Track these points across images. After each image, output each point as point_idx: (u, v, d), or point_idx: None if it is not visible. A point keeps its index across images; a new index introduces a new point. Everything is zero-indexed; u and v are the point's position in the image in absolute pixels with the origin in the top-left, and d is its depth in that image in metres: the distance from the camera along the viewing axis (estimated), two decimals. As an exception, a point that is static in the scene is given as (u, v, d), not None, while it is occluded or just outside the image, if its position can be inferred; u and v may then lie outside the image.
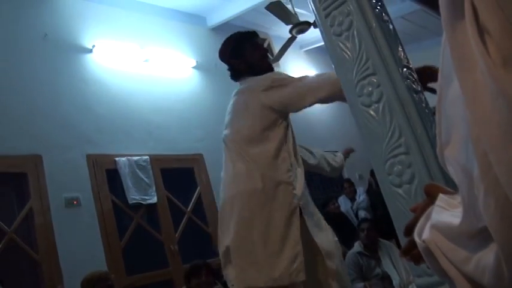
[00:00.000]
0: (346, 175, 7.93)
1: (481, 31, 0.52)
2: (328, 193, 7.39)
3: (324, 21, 2.05)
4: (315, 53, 8.88)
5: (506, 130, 0.49)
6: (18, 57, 4.97)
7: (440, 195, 0.80)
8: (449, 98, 0.61)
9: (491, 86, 0.50)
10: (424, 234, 0.80)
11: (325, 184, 7.84)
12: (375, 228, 4.96)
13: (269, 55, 3.22)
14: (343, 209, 6.88)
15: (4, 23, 4.98)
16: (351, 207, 7.01)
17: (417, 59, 2.27)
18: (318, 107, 8.25)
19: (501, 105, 0.49)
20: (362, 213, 6.85)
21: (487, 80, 0.51)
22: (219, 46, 7.46)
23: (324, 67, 8.83)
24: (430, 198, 0.96)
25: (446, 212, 0.75)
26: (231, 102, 2.97)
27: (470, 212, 0.60)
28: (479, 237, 0.59)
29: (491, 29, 0.51)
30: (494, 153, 0.51)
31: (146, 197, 5.25)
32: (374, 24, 1.91)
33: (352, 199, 7.13)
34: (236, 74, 3.02)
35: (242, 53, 2.91)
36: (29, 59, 5.05)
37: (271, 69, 2.95)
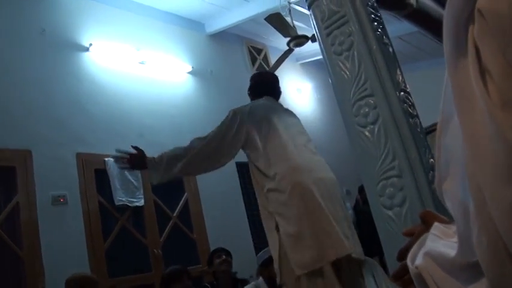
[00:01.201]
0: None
1: (482, 72, 0.53)
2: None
3: (325, 39, 2.07)
4: (310, 67, 8.93)
5: (501, 170, 0.50)
6: (14, 51, 4.96)
7: (436, 224, 0.82)
8: (449, 134, 0.62)
9: (490, 126, 0.51)
10: (417, 260, 0.81)
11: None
12: None
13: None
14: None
15: (1, 17, 4.97)
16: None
17: (411, 80, 2.30)
18: (307, 119, 8.28)
19: (497, 145, 0.50)
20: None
21: (485, 119, 0.52)
22: (215, 53, 7.52)
23: (319, 81, 8.88)
24: (425, 225, 0.98)
25: (441, 241, 0.77)
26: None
27: (465, 245, 0.61)
28: (472, 270, 0.61)
29: (492, 71, 0.52)
30: (489, 191, 0.52)
31: (133, 200, 5.23)
32: (374, 47, 1.94)
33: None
34: None
35: None
36: (25, 54, 5.03)
37: None
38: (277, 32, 6.25)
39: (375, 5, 2.13)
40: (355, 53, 1.94)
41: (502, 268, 0.54)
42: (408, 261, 0.83)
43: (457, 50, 0.57)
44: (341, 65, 1.98)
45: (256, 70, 7.84)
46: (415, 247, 0.85)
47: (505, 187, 0.50)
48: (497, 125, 0.50)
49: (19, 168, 4.53)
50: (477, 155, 0.54)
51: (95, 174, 5.10)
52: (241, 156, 6.76)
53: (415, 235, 0.92)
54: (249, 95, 3.40)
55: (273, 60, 7.66)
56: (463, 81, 0.56)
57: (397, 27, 6.34)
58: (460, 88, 0.57)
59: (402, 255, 0.94)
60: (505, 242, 0.52)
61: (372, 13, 2.05)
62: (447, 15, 0.58)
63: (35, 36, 5.17)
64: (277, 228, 2.48)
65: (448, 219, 0.89)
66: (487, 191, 0.52)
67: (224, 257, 4.56)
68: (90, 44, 5.59)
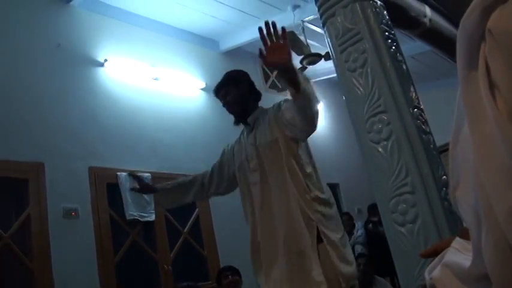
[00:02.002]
0: (345, 208, 7.92)
1: (491, 86, 0.57)
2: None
3: (339, 56, 2.09)
4: (323, 85, 8.94)
5: (506, 175, 0.53)
6: (30, 65, 5.02)
7: (457, 238, 0.83)
8: (460, 144, 0.65)
9: (498, 137, 0.55)
10: (434, 272, 0.83)
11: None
12: (370, 264, 4.93)
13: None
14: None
15: (18, 30, 5.05)
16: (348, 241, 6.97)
17: (424, 99, 2.30)
18: (319, 138, 8.29)
19: (505, 153, 0.53)
20: (359, 248, 6.81)
21: (494, 130, 0.55)
22: (229, 69, 7.55)
23: (331, 99, 8.89)
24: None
25: (460, 255, 0.78)
26: None
27: (478, 253, 0.63)
28: (486, 280, 0.62)
29: (500, 85, 0.55)
30: (495, 197, 0.55)
31: (144, 214, 5.24)
32: (388, 64, 1.95)
33: (350, 233, 7.10)
34: None
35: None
36: (40, 68, 5.09)
37: (239, 119, 3.07)
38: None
39: (389, 23, 2.15)
40: (369, 70, 1.95)
41: (507, 269, 0.56)
42: (426, 273, 0.85)
43: (469, 67, 0.61)
44: (355, 81, 1.99)
45: (270, 88, 7.88)
46: (436, 260, 0.87)
47: (510, 191, 0.52)
48: (504, 135, 0.54)
49: (31, 180, 4.57)
50: (486, 164, 0.57)
51: (107, 188, 5.12)
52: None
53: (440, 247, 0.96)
54: (249, 94, 2.95)
55: (285, 78, 7.68)
56: (473, 95, 0.60)
57: (410, 46, 6.37)
58: (471, 101, 0.61)
59: (425, 255, 0.99)
60: (510, 244, 0.54)
61: (386, 31, 2.06)
62: (460, 35, 0.63)
63: (50, 50, 5.24)
64: (319, 237, 2.34)
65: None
66: (493, 195, 0.55)
67: (231, 277, 4.52)
68: (105, 60, 5.66)
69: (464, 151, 0.63)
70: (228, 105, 2.93)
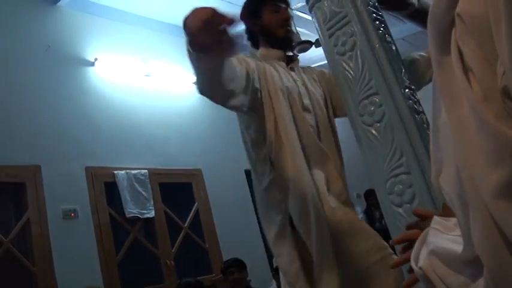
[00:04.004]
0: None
1: (465, 69, 0.58)
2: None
3: (328, 40, 2.08)
4: (315, 72, 8.94)
5: (488, 155, 0.55)
6: (20, 67, 5.00)
7: (435, 218, 0.83)
8: (441, 130, 0.66)
9: (475, 118, 0.56)
10: (420, 260, 0.83)
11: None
12: None
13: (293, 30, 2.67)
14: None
15: (6, 33, 5.02)
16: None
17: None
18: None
19: (483, 133, 0.55)
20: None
21: (471, 112, 0.57)
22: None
23: (324, 86, 8.89)
24: (424, 220, 1.00)
25: (444, 235, 0.78)
26: None
27: (466, 237, 0.63)
28: (476, 264, 0.62)
29: (474, 68, 0.57)
30: (479, 177, 0.56)
31: (144, 211, 5.24)
32: (377, 45, 1.93)
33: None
34: (252, 39, 2.50)
35: (259, 13, 2.39)
36: (31, 70, 5.07)
37: (288, 43, 2.49)
38: (280, 39, 6.26)
39: (376, 4, 2.13)
40: (358, 53, 1.94)
41: (496, 249, 0.56)
42: (412, 261, 0.85)
43: (441, 52, 0.62)
44: (344, 65, 1.98)
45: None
46: (417, 244, 0.87)
47: (493, 170, 0.54)
48: (481, 116, 0.55)
49: (29, 184, 4.56)
50: (466, 145, 0.58)
51: (105, 187, 5.12)
52: (248, 164, 6.75)
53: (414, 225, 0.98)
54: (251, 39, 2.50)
55: (277, 67, 7.67)
56: (448, 80, 0.61)
57: (400, 28, 6.33)
58: (446, 86, 0.62)
59: (409, 227, 1.05)
60: (497, 223, 0.54)
61: (374, 12, 2.05)
62: (430, 22, 0.65)
63: (40, 52, 5.22)
64: None
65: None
66: (477, 176, 0.56)
67: (236, 274, 4.49)
68: (96, 59, 5.64)
69: (445, 137, 0.64)
70: (287, 20, 2.44)
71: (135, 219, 5.19)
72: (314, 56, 7.83)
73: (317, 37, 6.53)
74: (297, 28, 6.41)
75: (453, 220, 0.78)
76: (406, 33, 6.93)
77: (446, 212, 0.87)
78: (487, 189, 0.54)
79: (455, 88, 0.59)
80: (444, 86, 0.62)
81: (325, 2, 2.09)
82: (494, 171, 0.53)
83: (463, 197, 0.60)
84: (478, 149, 0.56)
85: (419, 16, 4.49)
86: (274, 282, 4.50)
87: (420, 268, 0.81)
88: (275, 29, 2.40)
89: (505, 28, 0.51)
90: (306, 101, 2.26)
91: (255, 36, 2.47)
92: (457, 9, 0.59)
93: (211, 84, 1.92)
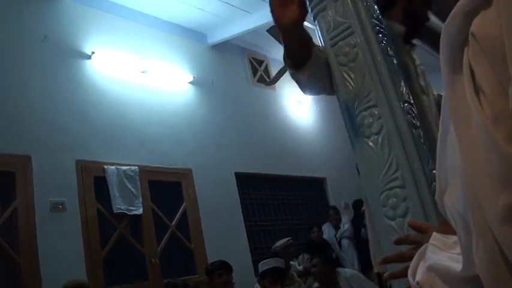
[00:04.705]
0: (332, 202, 7.96)
1: (476, 90, 0.58)
2: (313, 219, 7.39)
3: (330, 50, 2.08)
4: (311, 79, 8.95)
5: (495, 178, 0.54)
6: (16, 56, 4.97)
7: (435, 234, 0.83)
8: (448, 147, 0.66)
9: (484, 139, 0.55)
10: (417, 274, 0.83)
11: (310, 210, 7.85)
12: (327, 262, 4.66)
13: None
14: (326, 236, 6.88)
15: (4, 22, 4.99)
16: (335, 235, 7.01)
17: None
18: (307, 131, 8.27)
19: (491, 155, 0.54)
20: (345, 242, 6.85)
21: (480, 133, 0.56)
22: (217, 63, 7.51)
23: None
24: (421, 233, 1.00)
25: (443, 253, 0.78)
26: None
27: (467, 257, 0.63)
28: (475, 283, 0.62)
29: (485, 89, 0.56)
30: (486, 199, 0.55)
31: (132, 208, 5.22)
32: (379, 58, 1.94)
33: (337, 227, 7.14)
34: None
35: None
36: (27, 60, 5.05)
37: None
38: (278, 44, 6.25)
39: (380, 17, 2.15)
40: (360, 64, 1.95)
41: (499, 273, 0.56)
42: (409, 275, 0.85)
43: (453, 71, 0.62)
44: (345, 75, 1.99)
45: (257, 82, 7.87)
46: (415, 259, 0.87)
47: (500, 193, 0.53)
48: (490, 137, 0.54)
49: (18, 173, 4.53)
50: (473, 166, 0.57)
51: (94, 182, 5.10)
52: (239, 166, 6.76)
53: (412, 240, 0.98)
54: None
55: (273, 71, 7.69)
56: (459, 99, 0.61)
57: (398, 41, 6.37)
58: (457, 105, 0.61)
59: (400, 241, 1.00)
60: (501, 247, 0.54)
61: (377, 25, 2.06)
62: (443, 40, 0.64)
63: (37, 42, 5.19)
64: None
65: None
66: (483, 198, 0.56)
67: (225, 277, 4.46)
68: (93, 52, 5.61)
69: (452, 156, 0.64)
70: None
71: (122, 216, 5.17)
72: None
73: (317, 44, 6.55)
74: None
75: (452, 238, 0.78)
76: (404, 46, 6.94)
77: (443, 228, 0.87)
78: (492, 213, 0.54)
79: (466, 108, 0.59)
80: (454, 104, 0.62)
81: (329, 12, 2.10)
82: (501, 195, 0.53)
83: (467, 217, 0.60)
84: (485, 171, 0.55)
85: (423, 33, 4.52)
86: (258, 286, 4.49)
87: (417, 283, 0.81)
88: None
89: None
90: (422, 82, 2.10)
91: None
92: (472, 29, 0.58)
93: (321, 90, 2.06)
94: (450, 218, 0.67)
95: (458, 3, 0.63)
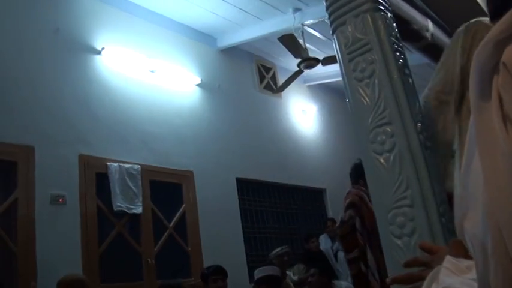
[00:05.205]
0: (330, 214, 7.95)
1: (504, 119, 0.58)
2: (310, 229, 7.39)
3: (347, 64, 2.09)
4: (317, 89, 8.97)
5: None
6: (27, 47, 4.98)
7: (448, 257, 0.83)
8: (471, 173, 0.66)
9: (509, 168, 0.55)
10: None
11: (308, 220, 7.85)
12: (324, 274, 4.45)
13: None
14: (323, 247, 6.86)
15: (17, 13, 5.00)
16: (331, 247, 7.00)
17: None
18: (309, 142, 8.27)
19: None
20: (341, 255, 6.83)
21: (506, 162, 0.56)
22: (225, 68, 7.52)
23: (324, 104, 8.93)
24: (433, 255, 1.00)
25: (457, 278, 0.78)
26: None
27: (483, 284, 0.63)
28: None
29: None
30: (507, 228, 0.55)
31: (131, 206, 5.21)
32: (396, 76, 1.96)
33: (333, 239, 7.12)
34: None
35: None
36: (37, 51, 5.05)
37: None
38: (287, 52, 6.30)
39: (398, 35, 2.16)
40: (376, 81, 1.96)
41: None
42: None
43: (482, 97, 0.62)
44: (361, 91, 2.00)
45: (264, 89, 7.88)
46: (428, 280, 0.87)
47: None
48: None
49: (21, 163, 4.53)
50: (497, 195, 0.57)
51: (96, 178, 5.09)
52: (241, 172, 6.75)
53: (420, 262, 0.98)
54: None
55: (281, 79, 7.70)
56: (486, 126, 0.61)
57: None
58: (483, 132, 0.62)
59: (409, 264, 1.03)
60: None
61: (395, 43, 2.07)
62: (474, 67, 0.64)
63: (48, 34, 5.20)
64: None
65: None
66: (504, 227, 0.56)
67: (220, 282, 4.42)
68: (103, 48, 5.63)
69: (475, 181, 0.64)
70: None
71: (122, 214, 5.16)
72: (318, 74, 7.88)
73: (324, 55, 6.55)
74: (306, 44, 6.45)
75: (465, 262, 0.78)
76: (412, 63, 6.94)
77: (454, 250, 0.87)
78: None
79: (492, 135, 0.59)
80: (481, 131, 0.62)
81: (348, 27, 2.11)
82: None
83: (486, 244, 0.60)
84: (508, 199, 0.56)
85: (430, 50, 4.53)
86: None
87: None
88: None
89: None
90: None
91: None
92: (503, 58, 0.59)
93: None
94: (469, 243, 0.68)
95: (492, 31, 0.63)
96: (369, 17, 2.08)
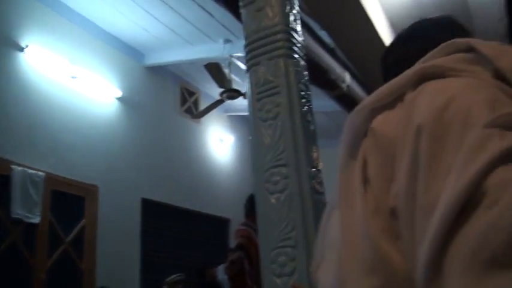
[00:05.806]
0: (232, 245, 7.96)
1: (365, 179, 0.63)
2: (212, 259, 7.35)
3: (255, 103, 2.17)
4: (237, 120, 9.09)
5: (363, 265, 0.59)
6: None
7: None
8: (330, 223, 0.72)
9: (362, 227, 0.60)
10: None
11: (210, 248, 7.81)
12: None
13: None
14: (220, 278, 6.84)
15: None
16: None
17: (325, 154, 2.38)
18: (221, 171, 8.30)
19: (365, 243, 0.59)
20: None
21: (360, 219, 0.61)
22: (148, 86, 7.41)
23: (241, 135, 9.03)
24: None
25: None
26: None
27: None
28: None
29: (372, 181, 0.62)
30: (350, 283, 0.60)
31: (29, 215, 4.95)
32: (298, 121, 2.05)
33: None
34: None
35: None
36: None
37: None
38: (212, 80, 6.36)
39: (307, 83, 2.26)
40: (279, 123, 2.04)
41: None
42: None
43: (350, 156, 0.68)
44: (263, 131, 2.07)
45: (184, 112, 7.88)
46: None
47: (363, 279, 0.58)
48: (368, 226, 0.59)
49: None
50: (347, 250, 0.62)
51: (-3, 180, 4.83)
52: (148, 193, 6.64)
53: None
54: None
55: (203, 105, 7.73)
56: (349, 182, 0.66)
57: (324, 102, 6.57)
58: (346, 187, 0.67)
59: None
60: None
61: (303, 90, 2.17)
62: (347, 126, 0.71)
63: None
64: None
65: None
66: (349, 281, 0.61)
67: None
68: (27, 46, 5.41)
69: (333, 232, 0.69)
70: None
71: (18, 222, 4.90)
72: (239, 105, 7.98)
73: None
74: (232, 75, 6.54)
75: None
76: (329, 108, 7.17)
77: None
78: None
79: (352, 192, 0.64)
80: (344, 186, 0.68)
81: (262, 68, 2.20)
82: (364, 280, 0.58)
83: None
84: (356, 256, 0.60)
85: (344, 100, 4.75)
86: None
87: None
88: None
89: (406, 160, 0.57)
90: None
91: None
92: (373, 124, 0.65)
93: None
94: None
95: (368, 99, 0.70)
96: (281, 62, 2.17)
